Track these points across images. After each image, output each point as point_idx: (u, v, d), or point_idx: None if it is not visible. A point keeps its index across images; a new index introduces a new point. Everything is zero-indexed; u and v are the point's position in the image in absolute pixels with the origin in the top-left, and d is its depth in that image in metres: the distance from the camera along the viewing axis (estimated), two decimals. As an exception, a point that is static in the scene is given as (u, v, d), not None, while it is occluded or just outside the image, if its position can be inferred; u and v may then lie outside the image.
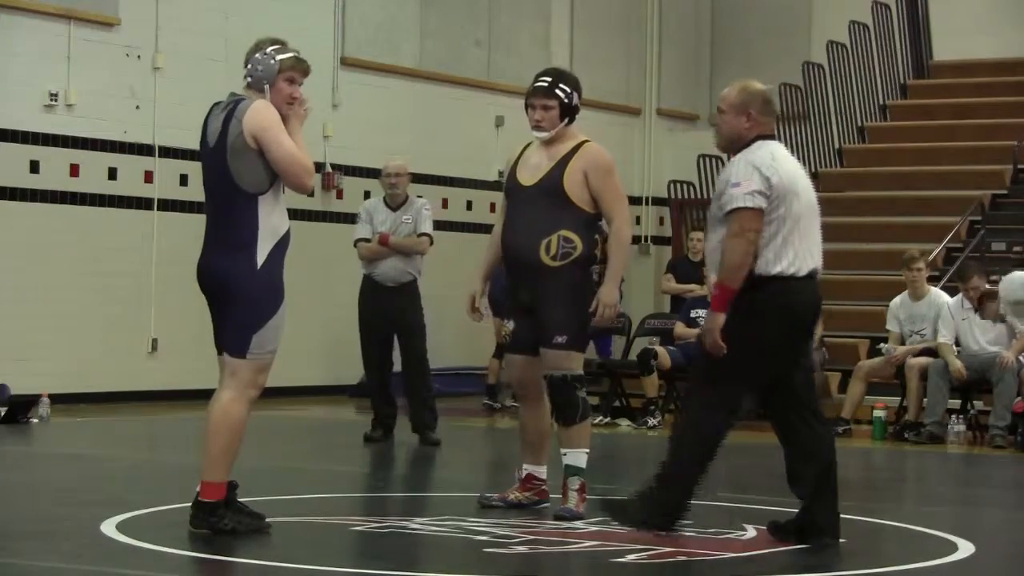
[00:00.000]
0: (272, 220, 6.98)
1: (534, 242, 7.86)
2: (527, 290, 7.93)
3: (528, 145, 8.18)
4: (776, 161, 7.06)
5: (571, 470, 7.92)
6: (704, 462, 7.15)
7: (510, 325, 8.08)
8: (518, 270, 8.00)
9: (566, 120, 8.04)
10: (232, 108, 6.98)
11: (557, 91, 8.05)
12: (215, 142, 6.99)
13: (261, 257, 6.94)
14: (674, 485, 7.17)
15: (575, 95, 8.08)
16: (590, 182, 7.88)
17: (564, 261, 7.86)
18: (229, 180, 6.95)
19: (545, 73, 8.25)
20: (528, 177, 8.01)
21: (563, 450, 7.96)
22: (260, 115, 6.90)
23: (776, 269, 7.03)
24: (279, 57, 7.02)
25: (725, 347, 6.97)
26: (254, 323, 6.96)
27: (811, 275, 7.12)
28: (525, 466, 8.16)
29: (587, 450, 7.97)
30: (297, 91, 7.08)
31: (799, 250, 7.06)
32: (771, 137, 7.21)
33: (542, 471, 8.16)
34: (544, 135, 8.02)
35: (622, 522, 7.29)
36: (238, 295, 6.94)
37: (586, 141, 8.05)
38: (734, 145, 7.15)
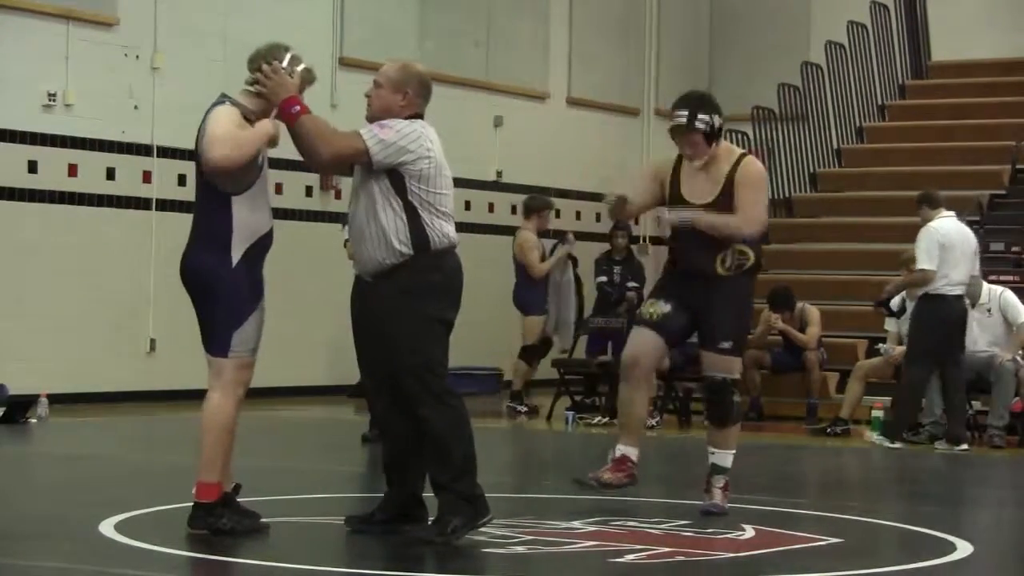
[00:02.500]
0: (249, 220, 6.99)
1: (710, 255, 8.07)
2: (697, 294, 8.12)
3: (681, 156, 8.28)
4: (432, 144, 7.08)
5: (717, 469, 8.22)
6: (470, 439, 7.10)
7: (666, 308, 8.16)
8: (691, 275, 8.16)
9: (715, 143, 8.14)
10: (208, 111, 7.05)
11: (697, 124, 8.10)
12: (196, 143, 7.05)
13: (236, 255, 6.97)
14: (467, 474, 7.06)
15: (715, 117, 8.14)
16: (737, 193, 8.07)
17: (738, 272, 8.11)
18: (205, 180, 7.00)
19: (681, 105, 8.20)
20: (695, 196, 8.16)
21: (712, 449, 8.25)
22: (216, 116, 6.95)
23: (443, 242, 7.04)
24: (296, 71, 7.06)
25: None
26: (233, 322, 6.99)
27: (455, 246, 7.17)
28: (619, 447, 8.27)
29: (734, 451, 8.27)
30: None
31: (450, 229, 7.10)
32: (421, 118, 7.21)
33: (635, 453, 8.29)
34: (698, 164, 8.16)
35: (461, 531, 7.00)
36: (215, 293, 6.98)
37: (743, 156, 8.22)
38: (384, 120, 7.13)
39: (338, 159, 7.06)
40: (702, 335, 8.19)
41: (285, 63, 7.05)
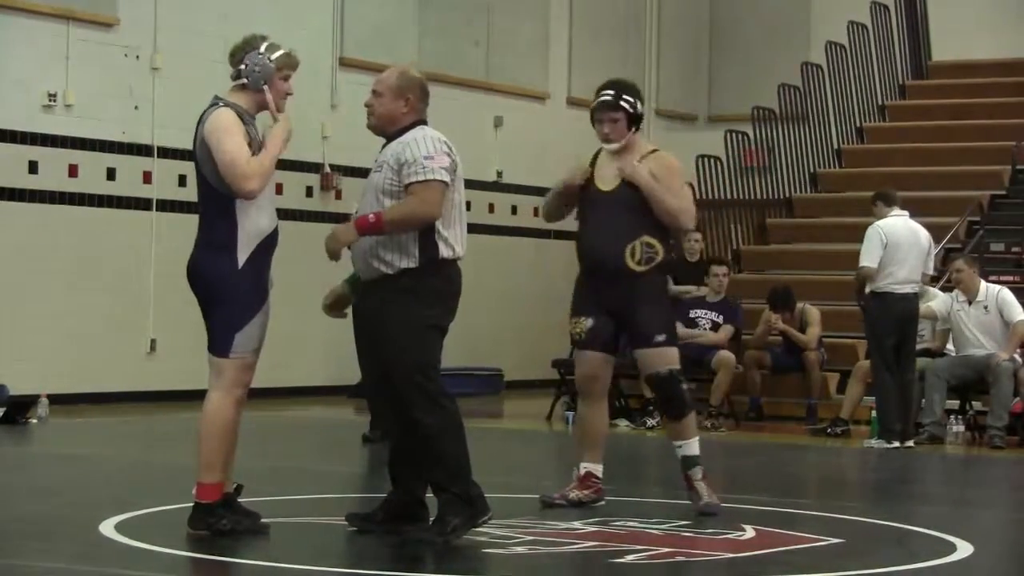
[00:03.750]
0: (253, 221, 6.98)
1: (619, 248, 8.09)
2: (612, 294, 8.15)
3: (599, 151, 8.38)
4: (451, 146, 7.12)
5: (690, 461, 8.22)
6: (463, 441, 7.07)
7: (588, 322, 8.21)
8: (602, 274, 8.19)
9: (634, 128, 8.25)
10: (203, 114, 7.05)
11: (622, 103, 8.25)
12: (193, 146, 7.06)
13: (243, 257, 6.96)
14: (463, 475, 7.04)
15: (639, 103, 8.29)
16: (657, 181, 8.11)
17: (648, 266, 8.10)
18: (205, 182, 7.00)
19: (607, 86, 8.37)
20: (606, 182, 8.22)
21: (676, 443, 8.25)
22: (214, 121, 6.95)
23: (449, 253, 7.06)
24: (274, 56, 7.08)
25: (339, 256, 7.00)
26: (237, 323, 6.97)
27: (460, 259, 7.20)
28: (583, 464, 8.34)
29: (697, 437, 8.26)
30: (290, 86, 7.16)
31: (460, 235, 7.12)
32: (426, 123, 7.22)
33: (599, 469, 8.37)
34: (614, 146, 8.26)
35: (456, 533, 6.99)
36: (221, 295, 6.96)
37: (656, 149, 8.30)
38: (388, 127, 7.16)
39: (440, 212, 7.00)
40: (633, 337, 8.21)
41: (262, 50, 7.06)
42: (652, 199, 8.07)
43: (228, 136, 6.90)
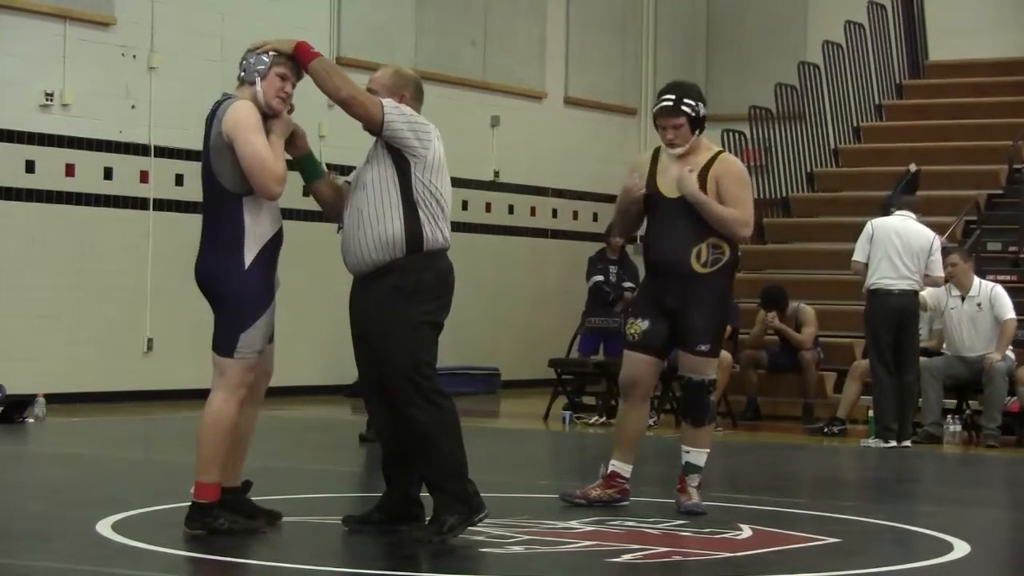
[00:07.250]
0: (260, 220, 6.95)
1: (685, 251, 8.09)
2: (674, 295, 8.15)
3: (659, 149, 8.33)
4: (436, 133, 7.09)
5: (692, 468, 8.24)
6: (459, 439, 7.05)
7: (644, 324, 8.22)
8: (666, 276, 8.18)
9: (697, 132, 8.21)
10: (217, 107, 7.00)
11: (683, 107, 8.18)
12: (204, 142, 7.01)
13: (249, 258, 6.93)
14: (458, 473, 7.04)
15: (700, 106, 8.23)
16: (720, 187, 8.10)
17: (714, 267, 8.13)
18: (214, 180, 6.96)
19: (668, 90, 8.30)
20: (671, 188, 8.18)
21: (686, 448, 8.26)
22: (236, 113, 6.89)
23: (436, 242, 7.03)
24: (273, 53, 7.05)
25: None
26: (242, 323, 6.95)
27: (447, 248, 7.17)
28: (612, 463, 8.35)
29: (708, 450, 8.29)
30: (289, 87, 7.06)
31: (446, 227, 7.10)
32: None
33: (628, 470, 8.38)
34: (679, 151, 8.21)
35: (454, 532, 6.98)
36: (226, 295, 6.94)
37: (721, 152, 8.29)
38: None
39: (354, 100, 6.94)
40: (679, 336, 8.20)
41: (261, 52, 7.05)
42: (702, 211, 8.05)
43: (256, 134, 6.85)
